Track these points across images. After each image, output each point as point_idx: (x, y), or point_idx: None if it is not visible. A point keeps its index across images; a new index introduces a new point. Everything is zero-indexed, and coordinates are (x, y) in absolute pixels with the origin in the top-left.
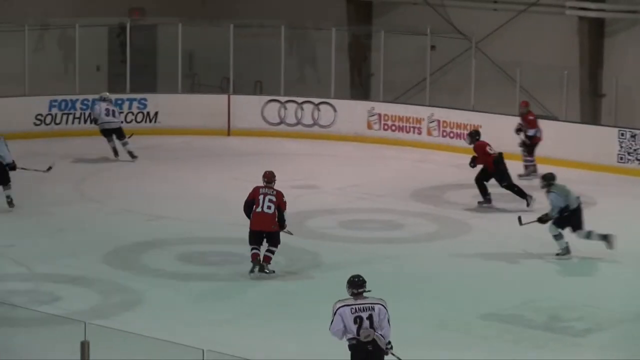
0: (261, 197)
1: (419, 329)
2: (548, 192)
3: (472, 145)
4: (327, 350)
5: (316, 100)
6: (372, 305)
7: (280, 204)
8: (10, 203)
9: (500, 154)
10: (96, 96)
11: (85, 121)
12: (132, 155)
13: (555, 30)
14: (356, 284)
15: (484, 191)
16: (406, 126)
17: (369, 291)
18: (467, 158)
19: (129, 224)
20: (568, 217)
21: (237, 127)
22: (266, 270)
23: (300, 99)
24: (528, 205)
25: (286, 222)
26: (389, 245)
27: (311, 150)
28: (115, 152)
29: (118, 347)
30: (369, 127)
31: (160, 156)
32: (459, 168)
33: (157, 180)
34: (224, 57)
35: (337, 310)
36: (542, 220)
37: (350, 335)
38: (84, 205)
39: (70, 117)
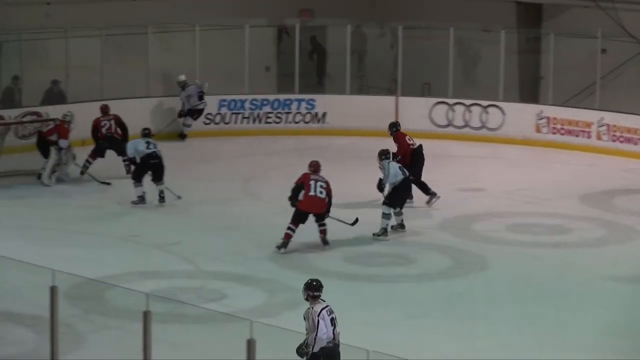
0: (312, 182)
1: (586, 335)
2: (384, 161)
3: (392, 137)
4: (492, 352)
5: (484, 103)
6: (332, 308)
7: (330, 191)
8: (162, 199)
9: (420, 146)
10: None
11: (254, 121)
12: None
13: None
14: (315, 287)
15: (425, 189)
16: (575, 130)
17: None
18: (638, 163)
19: None
20: (399, 194)
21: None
22: (327, 242)
23: (468, 102)
24: (429, 202)
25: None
26: (555, 250)
27: (478, 153)
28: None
29: (283, 346)
30: (538, 130)
31: (327, 157)
32: (629, 173)
33: None
34: (393, 59)
35: (320, 313)
36: (379, 187)
37: (328, 340)
38: (252, 204)
39: (239, 116)
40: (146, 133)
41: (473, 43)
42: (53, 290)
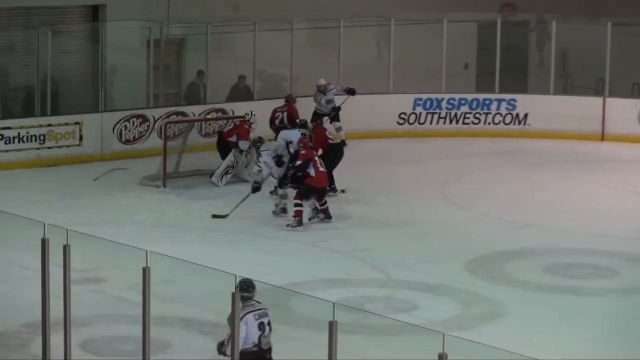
0: (317, 158)
1: None
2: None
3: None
4: None
5: None
6: (266, 311)
7: None
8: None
9: (342, 142)
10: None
11: (450, 121)
12: None
13: None
14: (242, 288)
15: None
16: None
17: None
18: None
19: (493, 231)
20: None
21: (611, 132)
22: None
23: None
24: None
25: None
26: None
27: None
28: None
29: None
30: None
31: (528, 160)
32: None
33: (525, 186)
34: (600, 57)
35: (243, 317)
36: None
37: (250, 345)
38: (447, 210)
39: (435, 116)
40: (303, 123)
41: None
42: (234, 296)
